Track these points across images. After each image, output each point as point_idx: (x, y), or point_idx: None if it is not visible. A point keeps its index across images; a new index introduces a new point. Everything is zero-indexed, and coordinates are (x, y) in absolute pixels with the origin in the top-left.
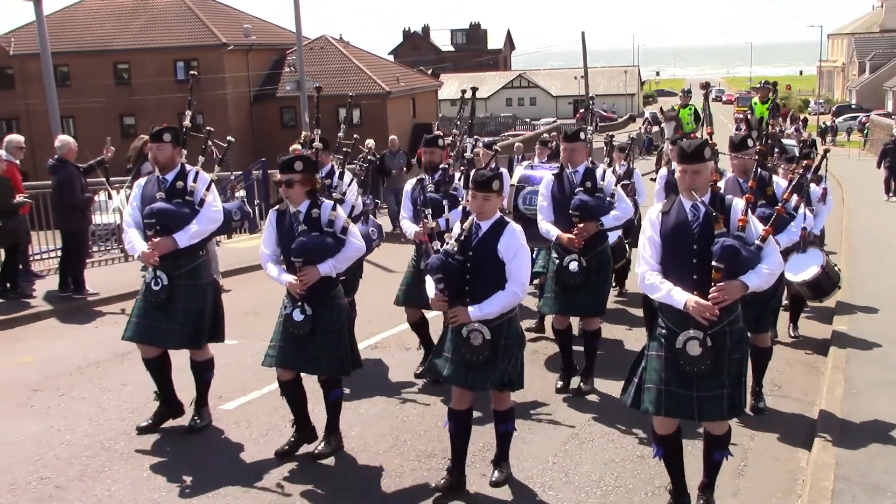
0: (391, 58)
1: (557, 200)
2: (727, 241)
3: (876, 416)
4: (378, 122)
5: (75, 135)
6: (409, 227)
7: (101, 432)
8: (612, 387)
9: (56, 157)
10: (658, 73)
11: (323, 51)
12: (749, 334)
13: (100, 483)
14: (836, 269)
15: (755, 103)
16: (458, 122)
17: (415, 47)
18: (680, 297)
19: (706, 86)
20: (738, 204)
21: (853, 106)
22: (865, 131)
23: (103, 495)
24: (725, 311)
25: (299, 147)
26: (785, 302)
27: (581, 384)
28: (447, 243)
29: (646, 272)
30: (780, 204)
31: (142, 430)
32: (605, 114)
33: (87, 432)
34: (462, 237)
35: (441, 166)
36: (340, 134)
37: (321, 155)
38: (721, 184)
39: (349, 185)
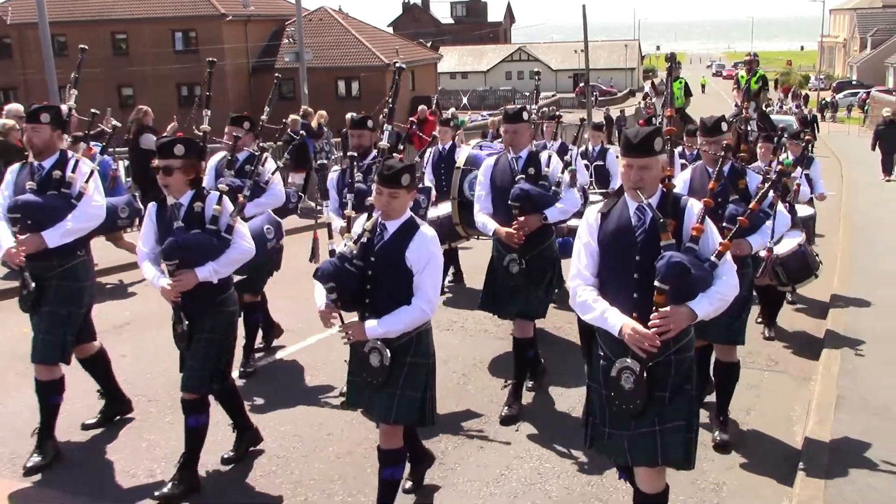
0: (390, 30)
1: (497, 189)
2: (674, 257)
3: (872, 392)
4: (377, 95)
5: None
6: (335, 220)
7: (100, 403)
8: None
9: None
10: (658, 48)
11: (322, 22)
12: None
13: (99, 453)
14: (816, 256)
15: (742, 77)
16: (389, 101)
17: (414, 19)
18: (615, 320)
19: (671, 58)
20: (695, 208)
21: (854, 82)
22: (866, 108)
23: (103, 465)
24: (673, 338)
25: (298, 118)
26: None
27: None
28: (344, 245)
29: (578, 287)
30: (753, 203)
31: (87, 427)
32: (605, 88)
33: (86, 403)
34: (363, 239)
35: (351, 153)
36: (264, 116)
37: (245, 136)
38: (685, 175)
39: (273, 174)
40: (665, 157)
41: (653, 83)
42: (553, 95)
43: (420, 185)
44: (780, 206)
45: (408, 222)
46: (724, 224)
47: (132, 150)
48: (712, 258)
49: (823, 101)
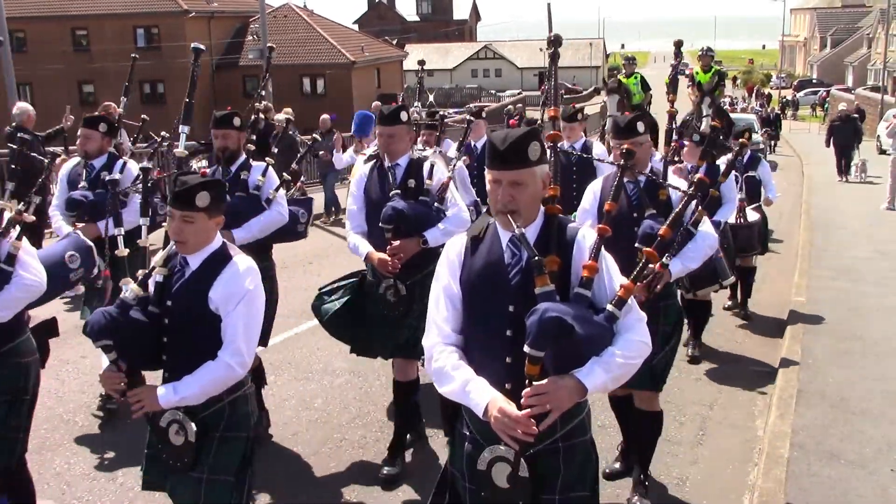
0: (356, 27)
1: (372, 203)
2: (549, 312)
3: (831, 385)
4: (342, 93)
5: (32, 102)
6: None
7: (61, 405)
8: None
9: (14, 124)
10: (623, 46)
11: (286, 19)
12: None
13: (59, 456)
14: (728, 268)
15: (697, 73)
16: (261, 94)
17: (380, 17)
18: (480, 396)
19: (555, 41)
20: (586, 239)
21: (814, 80)
22: (826, 106)
23: (62, 468)
24: (558, 419)
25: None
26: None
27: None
28: (126, 289)
29: (435, 347)
30: (663, 229)
31: None
32: (569, 86)
33: (47, 405)
34: (157, 278)
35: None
36: (121, 110)
37: (102, 141)
38: (595, 186)
39: (134, 183)
40: (546, 168)
41: (605, 80)
42: (519, 93)
43: (300, 197)
44: (707, 224)
45: (217, 253)
46: (638, 244)
47: None
48: (610, 307)
49: (785, 100)
